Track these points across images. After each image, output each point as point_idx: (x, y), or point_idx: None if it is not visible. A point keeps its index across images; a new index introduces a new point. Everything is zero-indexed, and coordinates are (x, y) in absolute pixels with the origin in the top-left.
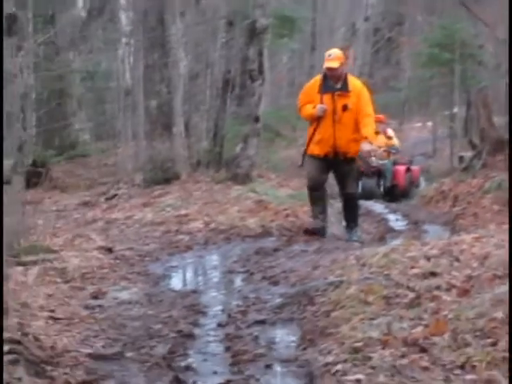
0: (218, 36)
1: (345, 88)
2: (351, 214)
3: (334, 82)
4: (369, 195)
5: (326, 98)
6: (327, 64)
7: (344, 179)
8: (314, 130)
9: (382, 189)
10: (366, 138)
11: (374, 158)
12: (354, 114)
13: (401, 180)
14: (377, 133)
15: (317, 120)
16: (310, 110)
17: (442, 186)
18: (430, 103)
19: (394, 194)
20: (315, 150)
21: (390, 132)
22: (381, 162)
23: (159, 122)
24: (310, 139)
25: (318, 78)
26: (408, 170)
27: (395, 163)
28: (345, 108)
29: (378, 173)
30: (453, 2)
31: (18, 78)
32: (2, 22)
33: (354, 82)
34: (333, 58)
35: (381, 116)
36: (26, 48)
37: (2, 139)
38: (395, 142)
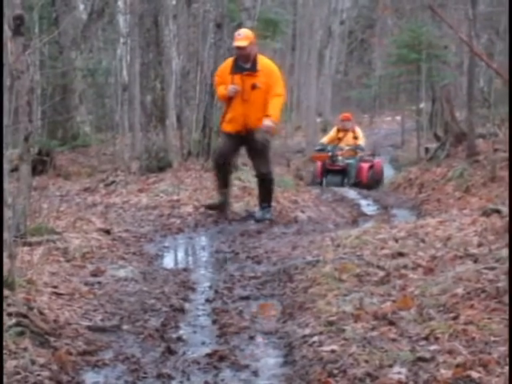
0: (208, 37)
1: (253, 68)
2: (264, 194)
3: (243, 62)
4: None
5: (237, 78)
6: (236, 43)
7: (256, 158)
8: (226, 110)
9: (346, 186)
10: (268, 115)
11: (340, 157)
12: (263, 92)
13: (364, 177)
14: (345, 131)
15: (229, 100)
16: (222, 90)
17: (409, 174)
18: (399, 99)
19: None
20: (228, 127)
21: (358, 130)
22: (346, 160)
23: (154, 115)
24: (223, 118)
25: (229, 60)
26: (371, 167)
27: (360, 160)
28: (253, 87)
29: (343, 171)
30: (420, 7)
31: (25, 75)
32: (2, 21)
33: (264, 62)
34: (242, 37)
35: (348, 114)
36: (33, 47)
37: (2, 133)
38: (361, 140)
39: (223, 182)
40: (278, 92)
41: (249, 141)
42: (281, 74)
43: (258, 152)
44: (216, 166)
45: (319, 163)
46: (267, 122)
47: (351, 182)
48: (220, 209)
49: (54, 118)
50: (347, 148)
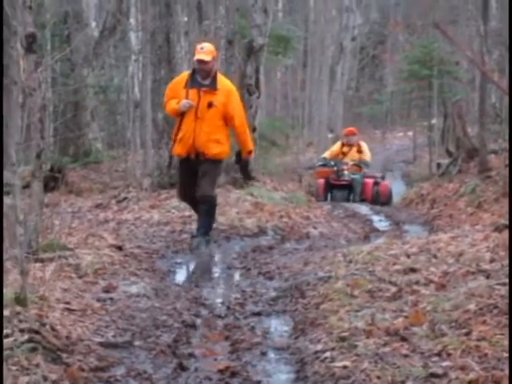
0: (219, 54)
1: (213, 85)
2: (203, 219)
3: (202, 78)
4: None
5: (192, 93)
6: (199, 56)
7: (200, 179)
8: (178, 127)
9: (351, 202)
10: (249, 152)
11: (346, 172)
12: (219, 113)
13: (368, 194)
14: (350, 145)
15: (181, 116)
16: (173, 105)
17: (421, 189)
18: (411, 114)
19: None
20: (178, 148)
21: (363, 145)
22: (352, 175)
23: (165, 132)
24: (175, 138)
25: (185, 74)
26: (376, 183)
27: (365, 176)
28: (210, 105)
29: (349, 186)
30: (431, 24)
31: (37, 92)
32: (2, 28)
33: (224, 82)
34: (205, 51)
35: (353, 128)
36: (45, 64)
37: (2, 144)
38: (367, 156)
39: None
40: (238, 123)
41: (199, 164)
42: (239, 98)
43: (206, 172)
44: (183, 201)
45: (321, 180)
46: (246, 159)
47: (357, 200)
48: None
49: (66, 135)
50: (352, 163)
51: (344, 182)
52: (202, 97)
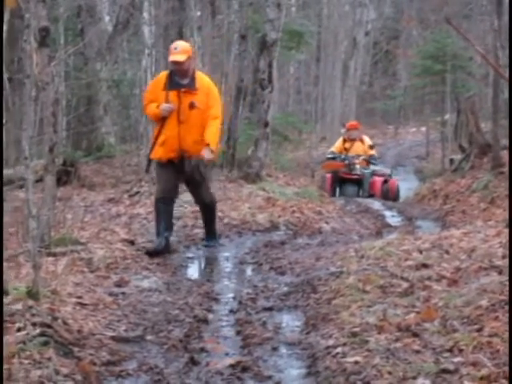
0: (232, 48)
1: (192, 85)
2: (207, 222)
3: (180, 78)
4: None
5: (172, 95)
6: (173, 57)
7: (197, 189)
8: (159, 131)
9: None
10: (207, 144)
11: (358, 166)
12: (202, 113)
13: (377, 191)
14: (352, 140)
15: (162, 119)
16: (153, 109)
17: (433, 185)
18: (424, 110)
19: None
20: (159, 152)
21: (366, 139)
22: (364, 170)
23: None
24: (155, 141)
25: (163, 74)
26: (385, 181)
27: (374, 174)
28: (191, 106)
29: (359, 181)
30: (444, 18)
31: (50, 86)
32: (2, 26)
33: (203, 79)
34: (179, 51)
35: (354, 123)
36: (58, 58)
37: (2, 138)
38: (372, 150)
39: (167, 224)
40: (215, 114)
41: (184, 169)
42: (219, 94)
43: (197, 182)
44: (158, 207)
45: (328, 176)
46: (207, 153)
47: (365, 195)
48: (163, 253)
49: (79, 129)
50: (362, 157)
51: (355, 177)
52: (183, 98)
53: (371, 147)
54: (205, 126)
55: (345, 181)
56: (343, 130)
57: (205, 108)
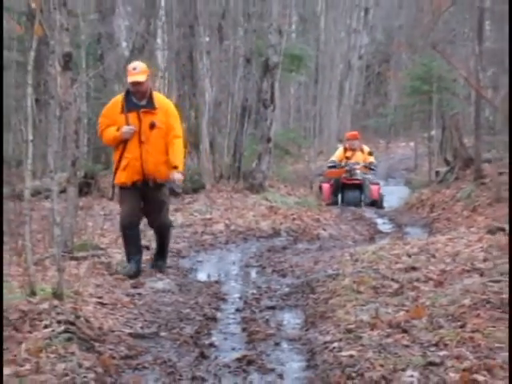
0: (238, 71)
1: (150, 105)
2: (162, 245)
3: (138, 99)
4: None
5: (132, 117)
6: (133, 78)
7: (155, 210)
8: (121, 155)
9: (362, 204)
10: (175, 167)
11: (358, 171)
12: (162, 133)
13: (377, 196)
14: (353, 150)
15: (123, 143)
16: (113, 132)
17: (421, 195)
18: (412, 126)
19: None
20: (122, 177)
21: (366, 149)
22: (365, 176)
23: (189, 142)
24: (117, 166)
25: (118, 97)
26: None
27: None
28: (152, 126)
29: (360, 186)
30: (430, 44)
31: (73, 106)
32: (2, 36)
33: (160, 99)
34: (138, 71)
35: (355, 133)
36: (80, 81)
37: (2, 148)
38: (372, 158)
39: (136, 248)
40: (178, 133)
41: (147, 190)
42: (177, 112)
43: (160, 203)
44: (125, 234)
45: (326, 185)
46: (177, 176)
47: (367, 201)
48: (136, 276)
49: (98, 145)
50: (362, 164)
51: (356, 182)
52: (143, 119)
53: (370, 153)
54: (167, 146)
55: (346, 187)
56: (339, 146)
57: (165, 127)
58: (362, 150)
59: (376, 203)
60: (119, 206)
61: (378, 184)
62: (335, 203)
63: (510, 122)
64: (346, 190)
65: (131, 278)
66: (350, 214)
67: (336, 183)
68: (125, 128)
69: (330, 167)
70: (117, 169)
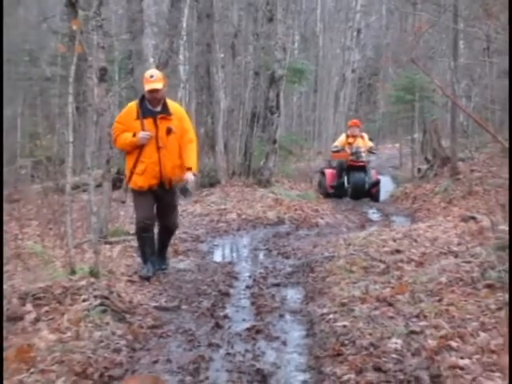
0: (248, 82)
1: (166, 111)
2: (165, 245)
3: (153, 106)
4: (359, 189)
5: (148, 123)
6: (151, 86)
7: (167, 211)
8: (136, 160)
9: (366, 185)
10: (189, 169)
11: (364, 154)
12: (178, 137)
13: (376, 179)
14: (354, 136)
15: (139, 148)
16: (129, 138)
17: (405, 189)
18: (398, 130)
19: (374, 194)
20: (139, 181)
21: (366, 136)
22: (369, 158)
23: (206, 144)
24: (132, 171)
25: (132, 104)
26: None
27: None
28: (169, 131)
29: (364, 168)
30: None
31: (107, 113)
32: (2, 36)
33: (174, 105)
34: (155, 79)
35: (356, 121)
36: (113, 91)
37: (2, 148)
38: (372, 143)
39: (151, 249)
40: (192, 137)
41: (162, 193)
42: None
43: (171, 203)
44: (141, 237)
45: (329, 171)
46: (190, 177)
47: (370, 182)
48: (152, 277)
49: None
50: (365, 148)
51: (361, 164)
52: (160, 124)
53: (371, 140)
54: (181, 150)
55: (352, 168)
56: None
57: (180, 133)
58: (362, 137)
59: (377, 185)
60: (134, 210)
61: (374, 169)
62: (341, 185)
63: (510, 122)
64: (352, 171)
65: (148, 280)
66: (343, 205)
67: (341, 165)
68: (142, 133)
69: (336, 151)
70: (132, 173)
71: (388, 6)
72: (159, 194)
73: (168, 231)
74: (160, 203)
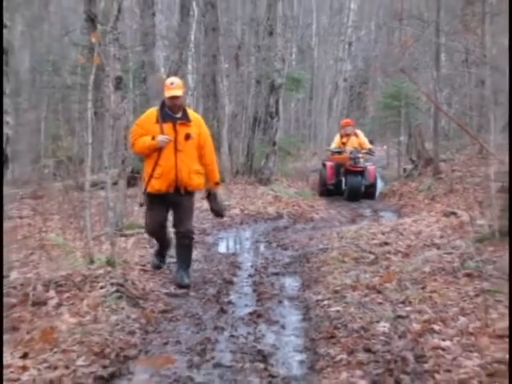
0: (250, 90)
1: (186, 117)
2: (185, 255)
3: (173, 112)
4: (356, 192)
5: (167, 127)
6: (171, 93)
7: (182, 216)
8: (155, 164)
9: (363, 188)
10: (216, 184)
11: (362, 160)
12: (196, 144)
13: (373, 179)
14: (347, 135)
15: (157, 152)
16: (148, 141)
17: (392, 187)
18: (385, 134)
19: (370, 193)
20: (156, 185)
21: (360, 133)
22: (366, 163)
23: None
24: (151, 175)
25: (153, 110)
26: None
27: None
28: (187, 137)
29: (362, 172)
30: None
31: (123, 117)
32: (2, 38)
33: (193, 114)
34: (175, 86)
35: (348, 120)
36: (128, 98)
37: (2, 148)
38: (366, 143)
39: (165, 246)
40: (212, 149)
41: (177, 198)
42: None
43: (186, 208)
44: (151, 236)
45: (330, 163)
46: (220, 194)
47: (367, 184)
48: (162, 267)
49: None
50: (364, 151)
51: (359, 169)
52: (179, 130)
53: (371, 142)
54: (199, 157)
55: (350, 173)
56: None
57: (198, 140)
58: (356, 135)
59: (373, 186)
60: (147, 212)
61: (374, 165)
62: (339, 184)
63: (509, 122)
64: (350, 175)
65: (158, 269)
66: (336, 201)
67: (338, 167)
68: (161, 136)
69: (336, 152)
70: (150, 177)
71: (377, 22)
72: (174, 199)
73: (181, 237)
74: (175, 208)
